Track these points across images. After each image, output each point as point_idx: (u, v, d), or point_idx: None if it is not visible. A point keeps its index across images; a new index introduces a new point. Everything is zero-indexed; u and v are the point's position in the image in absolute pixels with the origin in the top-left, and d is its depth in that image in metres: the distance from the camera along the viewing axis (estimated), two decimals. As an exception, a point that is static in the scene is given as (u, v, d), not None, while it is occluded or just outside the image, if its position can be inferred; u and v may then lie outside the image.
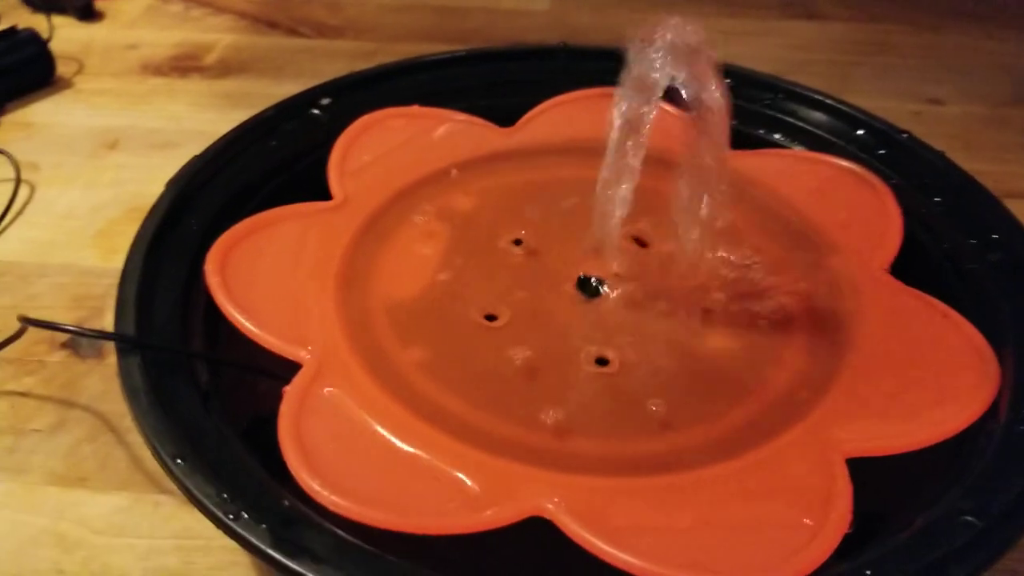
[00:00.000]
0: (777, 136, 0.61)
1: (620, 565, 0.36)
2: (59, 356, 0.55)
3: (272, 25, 0.93)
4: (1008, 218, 0.51)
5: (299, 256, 0.50)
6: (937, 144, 0.73)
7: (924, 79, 0.87)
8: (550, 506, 0.38)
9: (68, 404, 0.53)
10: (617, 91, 0.46)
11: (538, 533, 0.38)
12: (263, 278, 0.48)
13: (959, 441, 0.41)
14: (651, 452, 0.42)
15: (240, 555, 0.43)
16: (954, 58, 0.90)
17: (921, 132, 0.78)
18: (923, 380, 0.44)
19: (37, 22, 0.84)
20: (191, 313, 0.47)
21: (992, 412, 0.42)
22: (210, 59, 0.86)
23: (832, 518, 0.37)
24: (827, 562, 0.36)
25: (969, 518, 0.36)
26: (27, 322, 0.45)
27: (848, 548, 0.36)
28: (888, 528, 0.38)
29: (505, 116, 0.62)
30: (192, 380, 0.43)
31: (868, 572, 0.35)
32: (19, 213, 0.66)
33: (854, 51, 0.91)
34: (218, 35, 0.90)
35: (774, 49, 0.91)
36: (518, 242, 0.53)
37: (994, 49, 0.92)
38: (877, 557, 0.35)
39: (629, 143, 0.46)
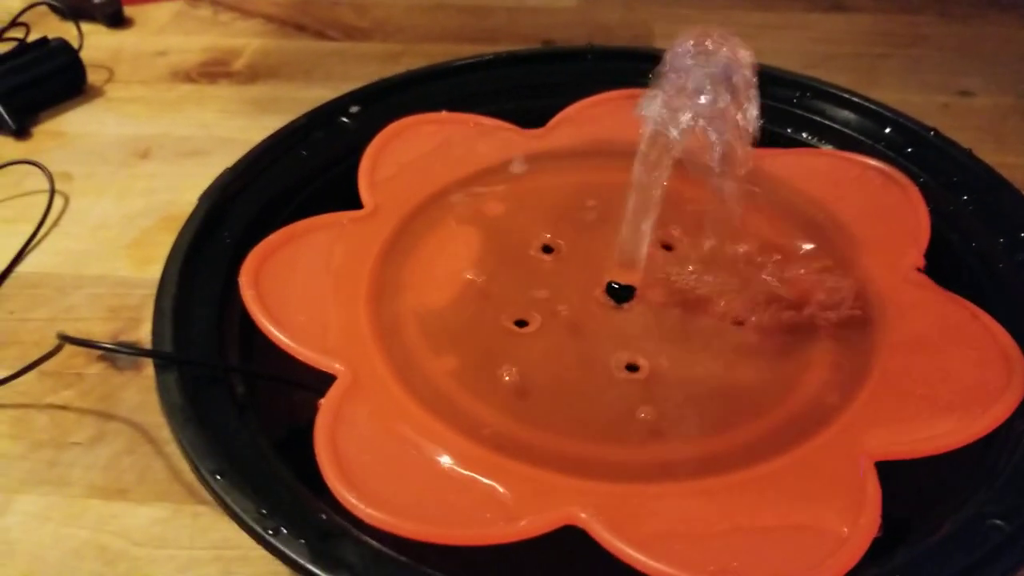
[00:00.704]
0: (805, 135, 0.61)
1: (652, 573, 0.36)
2: (97, 368, 0.56)
3: (300, 28, 0.94)
4: (1037, 216, 0.51)
5: (331, 266, 0.51)
6: (966, 137, 0.73)
7: (953, 71, 0.86)
8: (583, 515, 0.38)
9: (106, 416, 0.53)
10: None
11: (573, 541, 0.38)
12: (297, 290, 0.49)
13: (987, 443, 0.41)
14: (682, 458, 0.42)
15: (279, 564, 0.43)
16: (985, 49, 0.90)
17: (950, 125, 0.78)
18: (951, 382, 0.44)
19: (67, 30, 0.85)
20: (226, 326, 0.47)
21: (1020, 413, 0.42)
22: (239, 64, 0.87)
23: (862, 523, 0.37)
24: (857, 567, 0.36)
25: (998, 522, 0.37)
26: (65, 339, 0.45)
27: (878, 553, 0.37)
28: (917, 532, 0.38)
29: (534, 119, 0.62)
30: (229, 394, 0.43)
31: (899, 578, 0.35)
32: (54, 224, 0.67)
33: (882, 43, 0.91)
34: (246, 39, 0.91)
35: (802, 42, 0.91)
36: (548, 248, 0.53)
37: (1026, 38, 0.91)
38: (906, 562, 0.36)
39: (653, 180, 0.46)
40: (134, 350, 0.53)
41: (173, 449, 0.49)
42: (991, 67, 0.86)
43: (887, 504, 0.39)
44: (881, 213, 0.54)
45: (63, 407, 0.54)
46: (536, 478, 0.40)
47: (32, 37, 0.82)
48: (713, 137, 0.44)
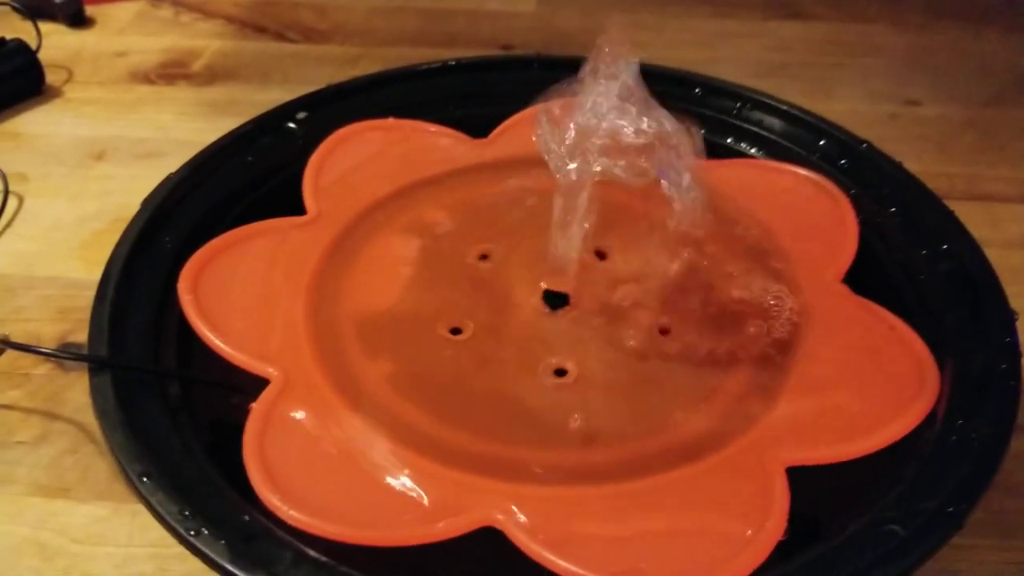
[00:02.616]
0: (743, 145, 0.62)
1: (563, 573, 0.37)
2: (44, 369, 0.57)
3: (260, 30, 0.94)
4: (959, 229, 0.53)
5: (271, 272, 0.52)
6: (911, 147, 0.75)
7: (904, 80, 0.88)
8: (500, 516, 0.40)
9: (52, 416, 0.54)
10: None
11: (492, 543, 0.39)
12: (235, 295, 0.50)
13: (895, 451, 0.43)
14: (600, 462, 0.43)
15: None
16: (936, 59, 0.91)
17: (896, 134, 0.80)
18: (865, 391, 0.45)
19: (27, 29, 0.86)
20: (164, 331, 0.48)
21: (929, 423, 0.43)
22: (197, 66, 0.88)
23: (767, 526, 0.39)
24: (760, 568, 0.37)
25: (894, 527, 0.38)
26: (5, 344, 0.46)
27: (783, 555, 0.38)
28: (822, 536, 0.39)
29: (479, 126, 0.63)
30: (162, 398, 0.44)
31: (795, 580, 0.37)
32: (7, 225, 0.68)
33: (836, 52, 0.93)
34: (206, 41, 0.92)
35: (757, 51, 0.92)
36: (485, 256, 0.54)
37: (979, 50, 0.93)
38: (803, 564, 0.37)
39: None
40: (68, 355, 0.54)
41: (115, 450, 0.50)
42: (940, 77, 0.88)
43: (798, 508, 0.40)
44: (811, 224, 0.55)
45: (9, 407, 0.55)
46: (457, 481, 0.41)
47: (-8, 37, 0.83)
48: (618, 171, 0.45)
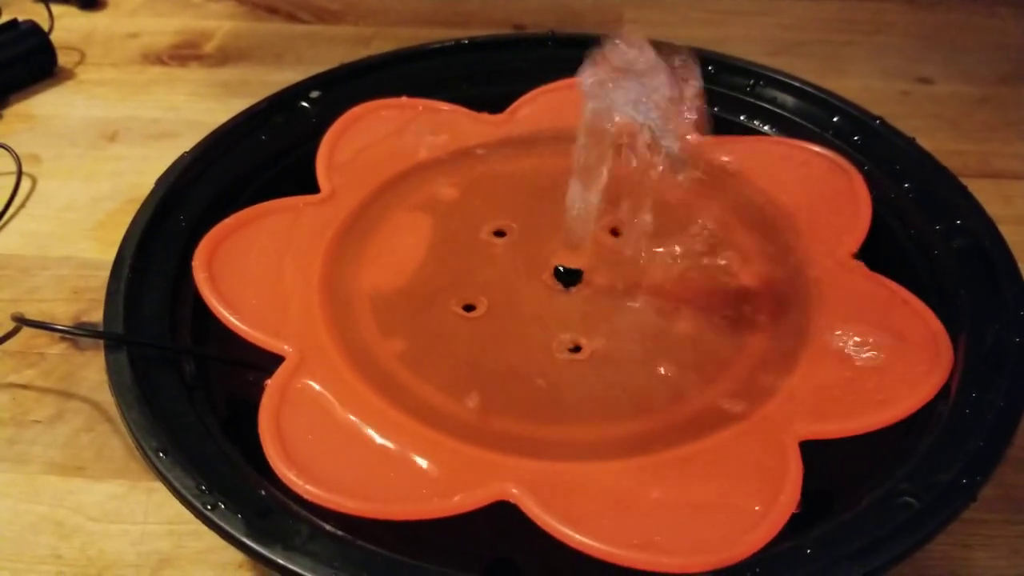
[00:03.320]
0: (756, 123, 0.62)
1: (579, 547, 0.38)
2: (59, 348, 0.57)
3: (271, 11, 0.94)
4: (972, 204, 0.53)
5: (285, 250, 0.52)
6: (923, 124, 0.75)
7: (916, 58, 0.87)
8: (515, 491, 0.40)
9: (67, 395, 0.55)
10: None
11: (506, 516, 0.40)
12: (250, 273, 0.50)
13: (909, 424, 0.43)
14: (614, 437, 0.44)
15: (228, 539, 0.45)
16: (949, 36, 0.91)
17: (908, 112, 0.80)
18: (879, 366, 0.45)
19: (39, 11, 0.86)
20: (180, 308, 0.48)
21: (942, 396, 0.43)
22: (209, 47, 0.88)
23: (781, 500, 0.39)
24: (773, 541, 0.37)
25: (909, 499, 0.38)
26: (21, 322, 0.46)
27: (796, 528, 0.38)
28: (836, 509, 0.40)
29: (494, 105, 0.63)
30: (178, 375, 0.44)
31: (808, 550, 0.37)
32: (21, 206, 0.68)
33: (848, 30, 0.92)
34: (218, 22, 0.92)
35: (770, 29, 0.92)
36: (500, 233, 0.54)
37: (992, 27, 0.92)
38: (818, 536, 0.37)
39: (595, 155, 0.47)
40: (84, 331, 0.54)
41: (129, 427, 0.50)
42: (952, 55, 0.88)
43: (812, 482, 0.40)
44: (825, 200, 0.55)
45: (25, 386, 0.55)
46: (472, 456, 0.42)
47: (3, 19, 0.83)
48: (650, 120, 0.45)
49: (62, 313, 0.60)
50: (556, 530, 0.38)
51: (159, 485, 0.41)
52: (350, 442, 0.42)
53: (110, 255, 0.49)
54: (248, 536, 0.37)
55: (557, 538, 0.38)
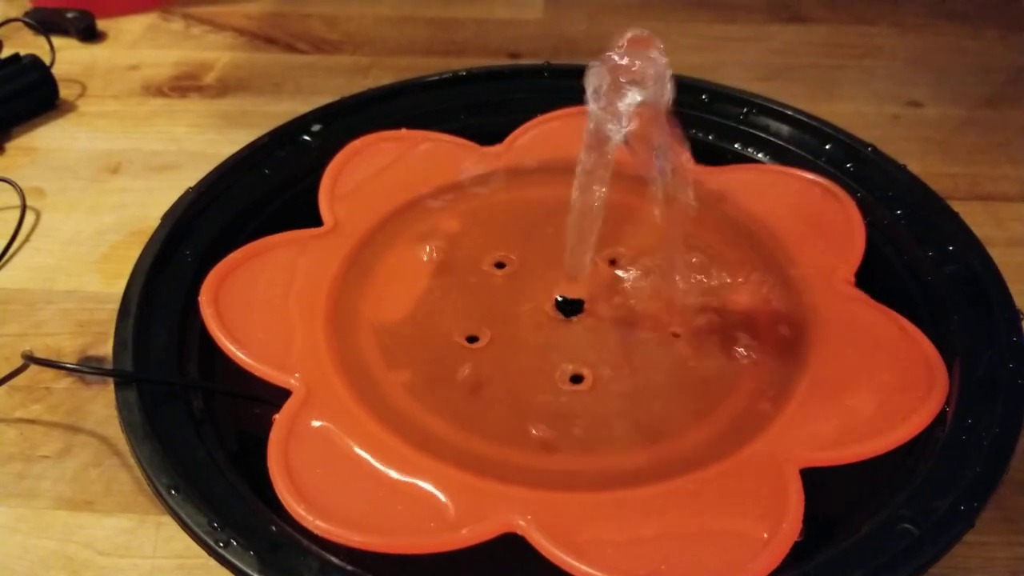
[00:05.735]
0: (750, 151, 0.63)
1: (585, 577, 0.38)
2: (65, 383, 0.58)
3: (270, 41, 0.95)
4: (963, 230, 0.54)
5: (290, 283, 0.52)
6: (914, 147, 0.76)
7: (906, 81, 0.88)
8: (522, 523, 0.40)
9: (74, 429, 0.55)
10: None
11: (513, 548, 0.40)
12: (256, 306, 0.51)
13: (907, 451, 0.44)
14: (618, 467, 0.44)
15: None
16: (937, 59, 0.92)
17: (899, 135, 0.81)
18: (876, 392, 0.46)
19: (40, 45, 0.87)
20: (187, 343, 0.49)
21: (939, 422, 0.44)
22: (209, 78, 0.89)
23: (783, 528, 0.40)
24: (777, 569, 0.38)
25: (908, 526, 0.39)
26: (30, 360, 0.47)
27: (799, 555, 0.39)
28: (837, 535, 0.40)
29: (493, 135, 0.64)
30: (187, 410, 0.45)
31: (812, 579, 0.37)
32: (25, 240, 0.69)
33: (838, 54, 0.93)
34: (217, 53, 0.93)
35: (762, 54, 0.93)
36: (500, 264, 0.55)
37: (979, 49, 0.93)
38: (821, 564, 0.38)
39: (594, 185, 0.48)
40: (94, 369, 0.55)
41: (138, 461, 0.51)
42: (942, 78, 0.89)
43: (812, 509, 0.41)
44: (819, 227, 0.56)
45: (32, 421, 0.56)
46: (478, 488, 0.42)
47: (5, 53, 0.83)
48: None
49: (68, 347, 0.60)
50: (563, 561, 0.39)
51: (168, 519, 0.42)
52: (358, 475, 0.43)
53: (115, 288, 0.50)
54: (261, 573, 0.37)
55: (564, 569, 0.39)
